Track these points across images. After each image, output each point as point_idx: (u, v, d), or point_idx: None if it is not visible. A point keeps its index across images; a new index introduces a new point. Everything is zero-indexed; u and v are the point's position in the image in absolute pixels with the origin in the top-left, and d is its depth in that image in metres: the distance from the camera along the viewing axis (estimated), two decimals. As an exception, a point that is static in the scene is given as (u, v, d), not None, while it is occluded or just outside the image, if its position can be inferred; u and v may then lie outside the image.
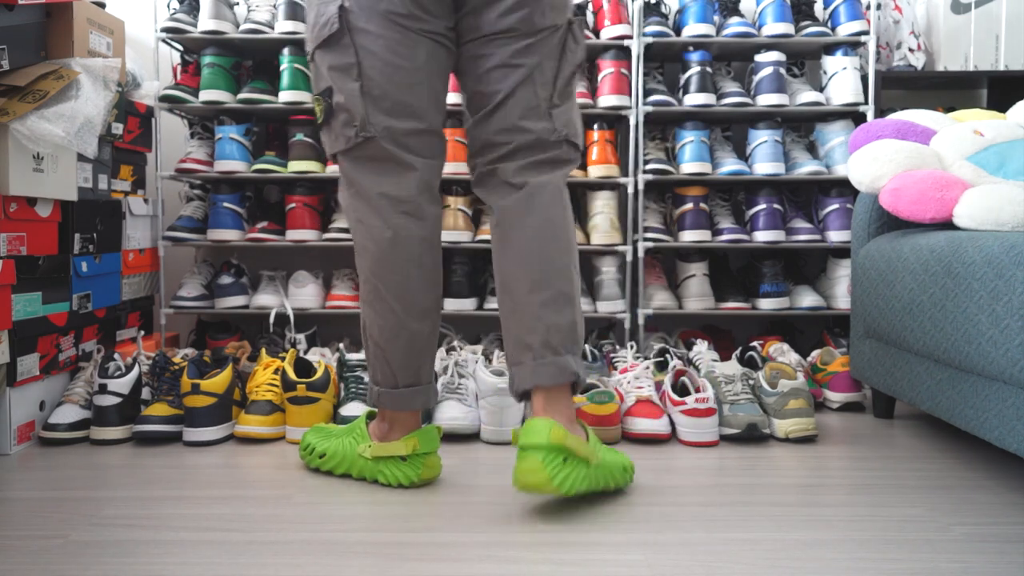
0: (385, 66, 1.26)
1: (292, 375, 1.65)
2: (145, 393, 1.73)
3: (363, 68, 1.26)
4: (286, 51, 2.23)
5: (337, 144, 1.32)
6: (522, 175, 1.31)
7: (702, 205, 2.29)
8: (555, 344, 1.26)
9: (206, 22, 2.22)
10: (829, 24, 2.32)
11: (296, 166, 2.24)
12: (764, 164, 2.26)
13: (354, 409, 1.66)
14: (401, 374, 1.34)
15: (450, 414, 1.65)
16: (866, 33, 2.27)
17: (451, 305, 2.21)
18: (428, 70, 1.29)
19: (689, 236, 2.26)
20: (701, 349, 1.98)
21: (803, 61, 2.42)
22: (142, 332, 2.05)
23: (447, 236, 2.21)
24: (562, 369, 1.25)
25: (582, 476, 1.22)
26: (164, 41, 2.27)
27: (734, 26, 2.26)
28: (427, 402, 1.37)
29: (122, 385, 1.66)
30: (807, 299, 2.25)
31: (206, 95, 2.23)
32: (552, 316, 1.26)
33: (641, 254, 2.27)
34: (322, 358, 1.88)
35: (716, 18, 2.35)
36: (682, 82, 2.31)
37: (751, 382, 1.74)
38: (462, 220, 2.25)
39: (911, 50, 2.35)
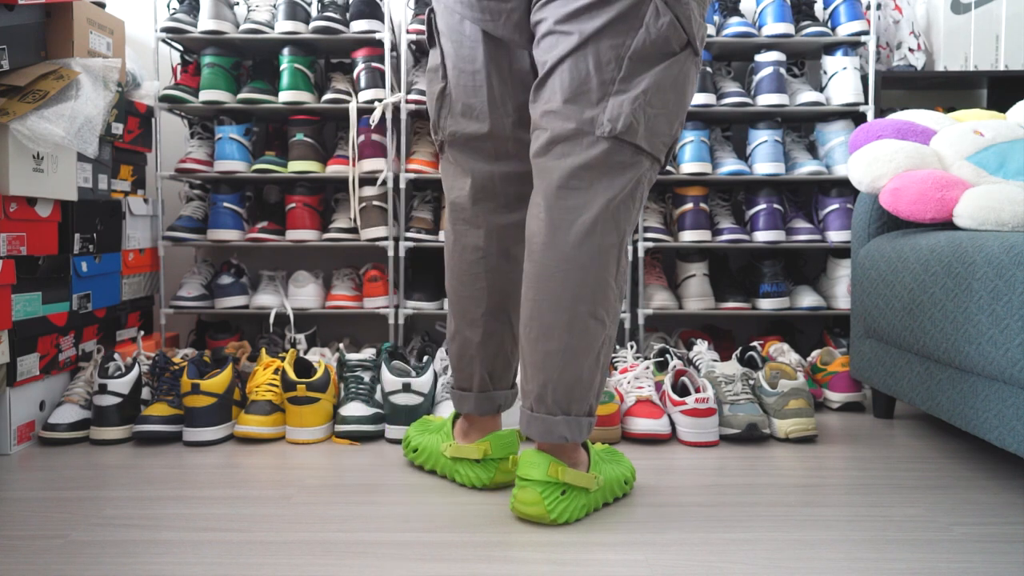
0: (453, 68, 1.26)
1: (292, 375, 1.65)
2: (145, 393, 1.73)
3: (447, 70, 1.27)
4: (286, 51, 2.23)
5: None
6: (555, 193, 1.14)
7: (702, 205, 2.28)
8: (549, 402, 1.17)
9: (206, 22, 2.22)
10: (829, 24, 2.32)
11: (296, 166, 2.24)
12: (764, 164, 2.26)
13: (354, 409, 1.66)
14: (456, 375, 1.38)
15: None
16: (866, 33, 2.26)
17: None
18: (488, 71, 1.23)
19: (689, 236, 2.26)
20: (701, 349, 1.98)
21: (803, 61, 2.42)
22: (142, 332, 2.05)
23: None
24: (549, 430, 1.17)
25: (580, 505, 1.20)
26: (164, 41, 2.27)
27: (734, 26, 2.25)
28: (475, 408, 1.36)
29: (122, 385, 1.66)
30: (807, 299, 2.25)
31: (206, 95, 2.23)
32: (552, 370, 1.16)
33: (641, 254, 2.27)
34: (322, 358, 1.88)
35: (716, 18, 2.35)
36: (682, 82, 2.31)
37: (751, 382, 1.74)
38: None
39: (911, 50, 2.35)
